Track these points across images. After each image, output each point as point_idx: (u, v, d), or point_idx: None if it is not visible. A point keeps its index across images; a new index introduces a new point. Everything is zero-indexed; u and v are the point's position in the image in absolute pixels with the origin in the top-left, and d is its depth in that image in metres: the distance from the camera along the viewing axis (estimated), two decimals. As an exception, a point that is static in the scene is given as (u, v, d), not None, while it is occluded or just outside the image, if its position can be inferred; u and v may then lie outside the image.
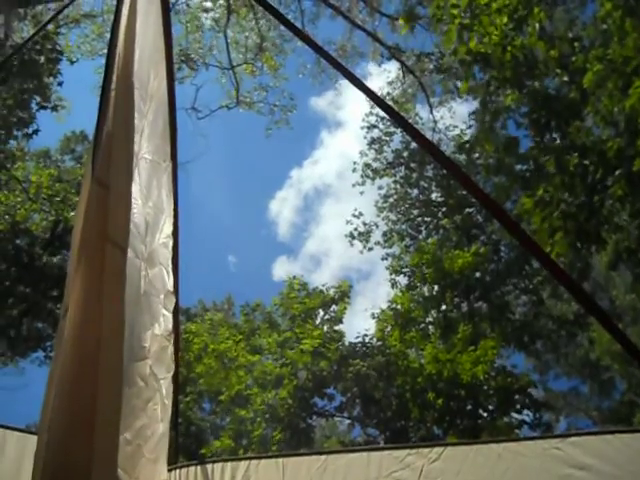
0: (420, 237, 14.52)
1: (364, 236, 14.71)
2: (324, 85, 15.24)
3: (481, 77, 6.90)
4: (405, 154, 13.89)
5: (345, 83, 15.42)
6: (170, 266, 2.23)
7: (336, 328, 13.69)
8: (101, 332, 1.98)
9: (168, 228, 2.27)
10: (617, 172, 6.93)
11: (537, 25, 6.56)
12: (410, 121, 14.24)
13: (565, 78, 8.24)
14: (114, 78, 2.13)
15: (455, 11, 6.49)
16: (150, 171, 2.31)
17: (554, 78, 8.45)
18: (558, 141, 7.21)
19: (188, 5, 12.94)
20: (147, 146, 2.32)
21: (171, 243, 2.24)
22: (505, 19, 6.48)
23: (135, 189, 2.11)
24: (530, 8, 6.65)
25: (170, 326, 2.17)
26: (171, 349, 2.14)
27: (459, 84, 10.55)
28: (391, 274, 13.87)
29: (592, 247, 6.54)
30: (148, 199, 2.27)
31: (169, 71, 2.59)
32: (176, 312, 2.50)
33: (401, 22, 8.24)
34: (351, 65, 15.54)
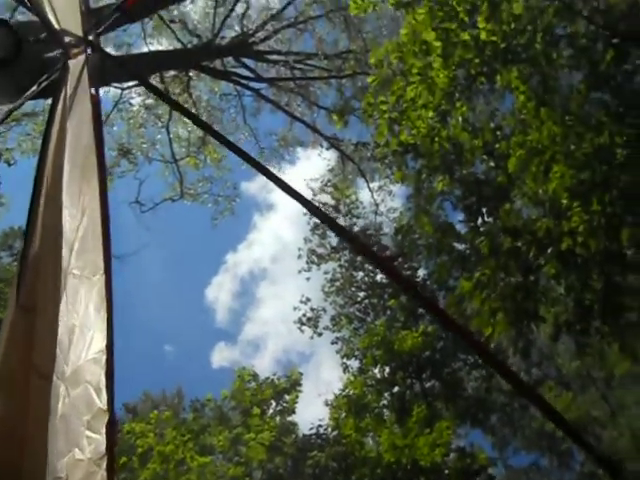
0: (368, 319, 14.59)
1: (313, 321, 14.63)
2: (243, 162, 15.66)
3: (413, 166, 7.28)
4: (348, 238, 14.20)
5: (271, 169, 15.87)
6: (103, 382, 2.13)
7: (289, 419, 13.24)
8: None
9: (98, 343, 2.18)
10: (548, 250, 7.30)
11: (460, 118, 7.05)
12: (352, 206, 14.78)
13: (491, 163, 8.80)
14: (42, 200, 2.11)
15: (384, 107, 6.93)
16: (78, 286, 2.26)
17: (482, 163, 9.01)
18: (491, 224, 7.57)
19: (130, 104, 13.24)
20: (77, 262, 2.28)
21: (104, 358, 2.15)
22: (430, 113, 6.95)
23: (62, 308, 2.05)
24: (452, 103, 7.18)
25: (102, 448, 2.04)
26: (102, 474, 2.01)
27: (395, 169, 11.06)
28: (342, 358, 13.74)
29: (531, 324, 6.73)
30: (73, 316, 2.20)
31: (101, 181, 2.59)
32: (111, 428, 2.36)
33: (335, 117, 8.65)
34: (291, 151, 16.13)
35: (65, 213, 2.36)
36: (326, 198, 14.46)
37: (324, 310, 14.77)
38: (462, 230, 8.88)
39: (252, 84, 14.12)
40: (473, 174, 8.22)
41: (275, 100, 14.50)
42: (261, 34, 14.41)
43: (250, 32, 14.22)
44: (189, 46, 13.71)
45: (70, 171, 2.44)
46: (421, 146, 6.88)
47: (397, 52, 7.43)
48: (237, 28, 14.38)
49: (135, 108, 13.35)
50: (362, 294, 14.84)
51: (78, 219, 2.45)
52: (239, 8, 14.04)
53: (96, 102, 2.34)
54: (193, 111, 14.12)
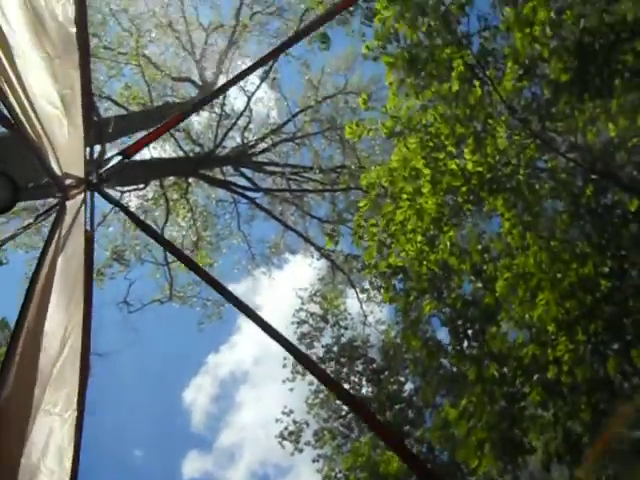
0: (353, 435, 14.02)
1: (294, 435, 14.03)
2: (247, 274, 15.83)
3: (401, 287, 7.36)
4: (335, 349, 14.04)
5: (260, 275, 16.02)
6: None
7: None
8: None
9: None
10: (534, 378, 7.21)
11: (448, 243, 7.26)
12: (340, 317, 14.70)
13: (479, 284, 8.91)
14: (21, 342, 2.11)
15: (374, 229, 7.14)
16: (49, 424, 2.20)
17: (470, 283, 9.13)
18: (477, 348, 7.53)
19: (128, 206, 13.55)
20: (51, 397, 2.24)
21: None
22: (419, 237, 7.16)
23: (26, 451, 1.98)
24: (440, 228, 7.41)
25: None
26: None
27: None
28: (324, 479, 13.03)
29: (519, 457, 6.49)
30: (44, 458, 2.12)
31: (86, 315, 2.60)
32: None
33: (326, 238, 8.87)
34: (282, 257, 16.33)
35: (44, 344, 2.36)
36: (314, 307, 14.45)
37: (307, 424, 14.23)
38: (449, 347, 8.85)
39: (248, 192, 14.59)
40: (461, 296, 8.31)
41: (269, 209, 14.92)
42: (260, 146, 15.14)
43: (250, 144, 14.93)
44: (191, 154, 14.32)
45: (56, 303, 2.46)
46: (410, 269, 7.01)
47: (388, 176, 7.78)
48: (238, 139, 15.13)
49: (133, 211, 13.64)
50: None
51: (58, 351, 2.44)
52: (241, 121, 14.84)
53: (90, 239, 2.42)
54: (190, 216, 14.49)
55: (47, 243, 2.26)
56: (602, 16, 7.92)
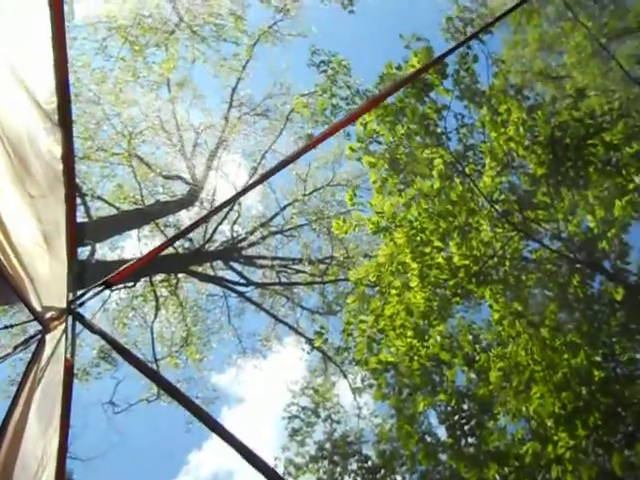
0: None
1: None
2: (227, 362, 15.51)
3: (393, 383, 7.21)
4: (327, 446, 13.47)
5: (244, 362, 15.69)
6: None
7: None
8: None
9: None
10: (538, 479, 6.92)
11: (438, 337, 7.21)
12: (333, 410, 14.24)
13: (472, 375, 8.75)
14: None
15: (363, 326, 7.10)
16: None
17: (463, 373, 8.97)
18: (474, 446, 7.27)
19: (117, 304, 13.48)
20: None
21: None
22: (409, 332, 7.11)
23: None
24: (429, 322, 7.38)
25: None
26: None
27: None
28: None
29: None
30: None
31: (62, 441, 2.50)
32: None
33: (315, 337, 8.80)
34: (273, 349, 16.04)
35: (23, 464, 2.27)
36: (305, 400, 14.02)
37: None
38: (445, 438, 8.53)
39: (238, 286, 14.57)
40: (455, 390, 8.14)
41: (260, 302, 14.85)
42: (250, 239, 15.31)
43: (240, 238, 15.10)
44: (180, 249, 14.43)
45: (34, 430, 2.39)
46: (401, 365, 6.91)
47: (376, 271, 7.85)
48: (227, 233, 15.32)
49: (121, 308, 13.56)
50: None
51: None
52: (231, 215, 15.09)
53: (70, 369, 2.38)
54: (179, 312, 14.36)
55: (24, 378, 2.22)
56: (571, 112, 8.39)
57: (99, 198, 12.72)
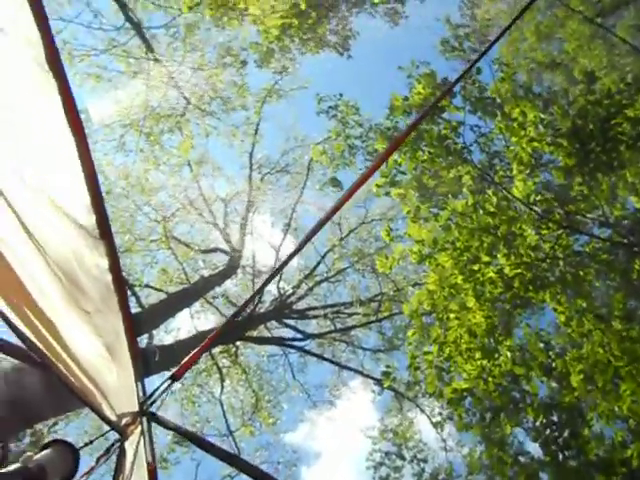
0: None
1: None
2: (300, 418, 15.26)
3: (473, 409, 6.96)
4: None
5: (316, 416, 15.39)
6: None
7: None
8: None
9: None
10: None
11: (508, 353, 6.97)
12: (417, 449, 13.74)
13: (553, 383, 8.38)
14: None
15: (429, 357, 6.94)
16: None
17: (543, 383, 8.59)
18: (575, 460, 6.88)
19: (182, 383, 13.59)
20: None
21: None
22: (477, 354, 6.90)
23: None
24: (495, 339, 7.16)
25: None
26: None
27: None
28: None
29: None
30: None
31: None
32: None
33: (383, 378, 8.62)
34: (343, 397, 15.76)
35: None
36: (387, 444, 13.64)
37: None
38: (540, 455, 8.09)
39: (296, 342, 14.54)
40: (540, 403, 7.80)
41: (320, 353, 14.75)
42: (298, 293, 15.35)
43: (287, 294, 15.17)
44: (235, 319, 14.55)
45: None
46: (476, 389, 6.69)
47: (429, 300, 7.71)
48: (275, 292, 15.42)
49: (187, 387, 13.67)
50: None
51: None
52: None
53: (153, 471, 2.39)
54: (244, 378, 14.37)
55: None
56: (586, 97, 8.25)
57: (147, 286, 13.06)
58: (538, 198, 7.87)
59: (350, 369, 14.95)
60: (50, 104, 1.68)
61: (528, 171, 7.42)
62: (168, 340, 12.86)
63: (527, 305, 8.07)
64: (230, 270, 14.35)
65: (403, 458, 13.09)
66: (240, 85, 13.66)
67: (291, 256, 2.61)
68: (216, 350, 13.96)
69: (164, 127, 13.17)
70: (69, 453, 1.95)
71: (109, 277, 2.07)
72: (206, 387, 13.96)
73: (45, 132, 1.88)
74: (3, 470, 1.75)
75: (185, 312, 13.25)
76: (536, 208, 8.00)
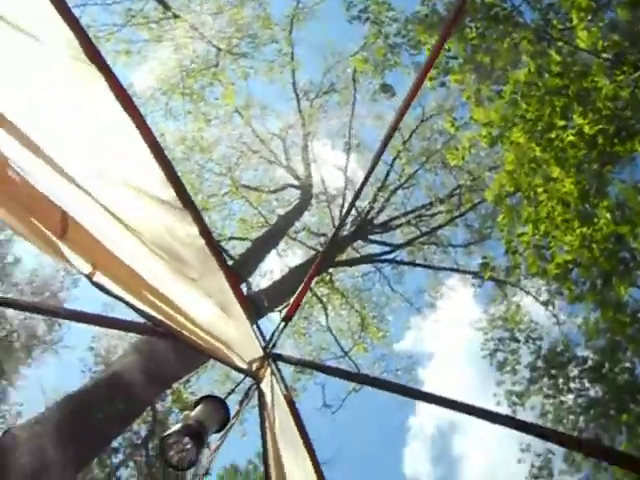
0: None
1: (546, 469, 12.95)
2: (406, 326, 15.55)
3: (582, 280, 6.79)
4: (540, 363, 13.05)
5: (423, 321, 15.56)
6: None
7: None
8: None
9: None
10: None
11: (607, 214, 6.66)
12: (529, 329, 13.74)
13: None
14: None
15: (525, 237, 6.77)
16: None
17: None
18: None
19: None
20: None
21: None
22: (575, 223, 6.64)
23: None
24: (590, 202, 6.85)
25: None
26: None
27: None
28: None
29: None
30: None
31: (314, 463, 2.71)
32: None
33: (482, 269, 8.52)
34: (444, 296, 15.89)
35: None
36: (498, 333, 13.71)
37: (552, 452, 13.11)
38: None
39: (387, 256, 14.68)
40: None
41: (412, 260, 14.83)
42: (375, 208, 15.31)
43: (365, 211, 15.17)
44: (319, 247, 14.86)
45: (292, 464, 2.61)
46: (581, 258, 6.49)
47: (510, 180, 7.44)
48: (352, 212, 15.46)
49: (294, 322, 14.30)
50: (582, 418, 13.09)
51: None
52: (348, 196, 15.21)
53: (290, 400, 2.57)
54: (344, 302, 14.82)
55: (262, 426, 2.44)
56: None
57: (231, 238, 13.52)
58: (606, 44, 7.20)
59: (445, 269, 14.98)
60: (102, 96, 1.71)
61: (589, 16, 6.75)
62: (264, 283, 13.40)
63: (616, 160, 7.59)
64: (304, 202, 14.50)
65: (517, 340, 13.18)
66: (264, 17, 13.22)
67: (372, 168, 2.59)
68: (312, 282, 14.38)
69: (203, 82, 13.12)
70: (218, 405, 2.15)
71: (201, 241, 2.15)
72: (312, 318, 14.55)
73: (105, 124, 1.92)
74: (171, 430, 1.98)
75: (272, 253, 13.67)
76: (606, 55, 7.34)
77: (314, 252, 14.02)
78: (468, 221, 14.52)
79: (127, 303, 2.13)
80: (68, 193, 1.85)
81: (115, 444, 11.93)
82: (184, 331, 2.17)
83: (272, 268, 14.92)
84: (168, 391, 10.83)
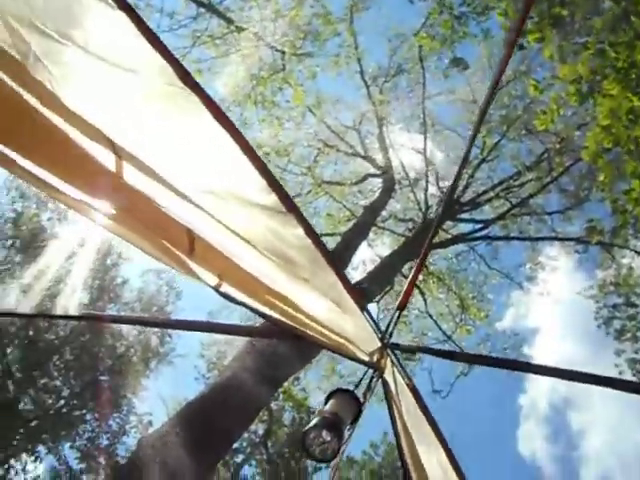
0: None
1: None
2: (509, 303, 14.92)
3: None
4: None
5: (525, 296, 14.91)
6: None
7: None
8: None
9: None
10: None
11: None
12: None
13: None
14: None
15: (633, 194, 6.33)
16: None
17: None
18: None
19: (387, 310, 14.18)
20: None
21: None
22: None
23: None
24: None
25: None
26: None
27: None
28: None
29: None
30: None
31: (448, 452, 2.68)
32: None
33: (587, 233, 8.06)
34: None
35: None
36: (611, 299, 12.89)
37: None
38: None
39: (479, 233, 14.26)
40: None
41: (506, 234, 14.30)
42: (460, 186, 14.90)
43: (450, 190, 14.81)
44: (407, 233, 14.71)
45: (426, 453, 2.61)
46: None
47: (607, 136, 6.97)
48: (437, 193, 15.16)
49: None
50: None
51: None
52: (432, 179, 14.92)
53: (413, 388, 2.56)
54: (441, 285, 14.57)
55: (392, 416, 2.46)
56: None
57: (322, 235, 13.67)
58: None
59: (543, 239, 14.31)
60: (198, 116, 1.79)
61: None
62: (358, 276, 13.46)
63: None
64: (388, 190, 14.39)
65: (634, 305, 12.33)
66: (323, 14, 13.24)
67: (470, 145, 2.52)
68: (404, 268, 14.22)
69: (273, 88, 13.36)
70: (349, 397, 2.20)
71: (308, 241, 2.19)
72: (410, 305, 14.40)
73: (205, 142, 2.00)
74: (309, 425, 2.05)
75: (363, 244, 13.68)
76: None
77: (403, 238, 13.89)
78: (561, 185, 13.78)
79: (252, 309, 2.22)
80: (188, 212, 1.95)
81: (236, 445, 12.45)
82: (307, 329, 2.23)
83: (364, 259, 14.96)
84: (280, 390, 11.15)
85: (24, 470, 11.34)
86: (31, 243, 13.21)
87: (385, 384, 2.44)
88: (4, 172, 14.03)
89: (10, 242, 13.60)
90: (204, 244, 2.05)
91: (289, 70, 13.48)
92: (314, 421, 2.05)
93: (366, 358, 2.35)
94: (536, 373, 2.88)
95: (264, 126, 13.79)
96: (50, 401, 12.24)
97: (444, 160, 15.93)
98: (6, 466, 11.32)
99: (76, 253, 12.71)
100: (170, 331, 14.69)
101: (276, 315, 2.20)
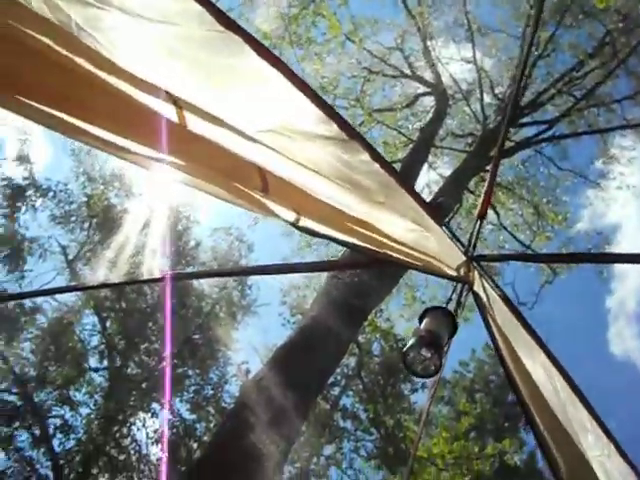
0: None
1: None
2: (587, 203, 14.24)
3: None
4: None
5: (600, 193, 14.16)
6: None
7: None
8: None
9: None
10: None
11: None
12: None
13: None
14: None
15: None
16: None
17: None
18: None
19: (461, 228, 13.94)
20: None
21: None
22: None
23: None
24: None
25: None
26: None
27: None
28: None
29: None
30: None
31: (546, 352, 2.64)
32: None
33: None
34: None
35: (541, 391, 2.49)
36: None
37: None
38: None
39: (545, 135, 13.55)
40: None
41: (573, 131, 13.51)
42: (517, 89, 14.08)
43: (507, 95, 14.06)
44: (467, 148, 14.19)
45: (529, 363, 2.59)
46: None
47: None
48: (493, 102, 14.42)
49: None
50: None
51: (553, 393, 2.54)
52: (486, 87, 14.18)
53: (505, 297, 2.52)
54: (511, 195, 14.11)
55: (489, 329, 2.44)
56: None
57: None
58: None
59: (614, 129, 13.41)
60: (246, 58, 1.74)
61: None
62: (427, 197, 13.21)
63: None
64: (441, 107, 13.84)
65: None
66: None
67: (529, 50, 2.34)
68: (471, 184, 13.78)
69: (306, 24, 12.94)
70: (442, 313, 2.20)
71: (376, 165, 2.14)
72: (488, 222, 14.07)
73: (255, 83, 1.96)
74: (408, 345, 2.08)
75: (424, 168, 13.37)
76: None
77: (464, 155, 13.43)
78: (630, 67, 12.73)
79: (335, 239, 2.23)
80: (255, 152, 1.95)
81: (331, 379, 12.93)
82: (393, 253, 2.22)
83: (426, 180, 14.66)
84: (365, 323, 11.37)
85: (144, 426, 12.34)
86: (105, 221, 13.83)
87: (476, 296, 2.41)
88: (69, 160, 14.57)
89: (87, 224, 14.30)
90: (276, 181, 2.05)
91: (319, 1, 12.97)
92: (411, 341, 2.07)
93: (453, 273, 2.32)
94: (627, 262, 2.74)
95: (305, 65, 13.47)
96: (153, 363, 13.10)
97: (496, 65, 15.04)
98: (128, 424, 12.38)
99: (148, 224, 13.22)
100: (249, 283, 15.21)
101: (359, 242, 2.20)
